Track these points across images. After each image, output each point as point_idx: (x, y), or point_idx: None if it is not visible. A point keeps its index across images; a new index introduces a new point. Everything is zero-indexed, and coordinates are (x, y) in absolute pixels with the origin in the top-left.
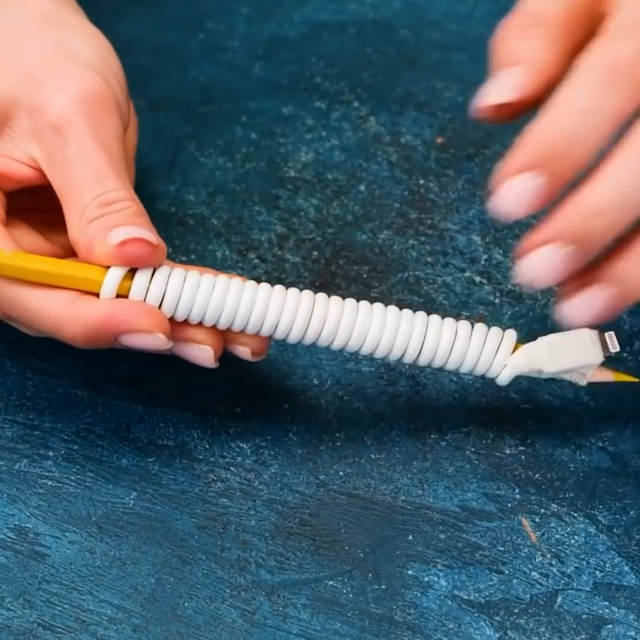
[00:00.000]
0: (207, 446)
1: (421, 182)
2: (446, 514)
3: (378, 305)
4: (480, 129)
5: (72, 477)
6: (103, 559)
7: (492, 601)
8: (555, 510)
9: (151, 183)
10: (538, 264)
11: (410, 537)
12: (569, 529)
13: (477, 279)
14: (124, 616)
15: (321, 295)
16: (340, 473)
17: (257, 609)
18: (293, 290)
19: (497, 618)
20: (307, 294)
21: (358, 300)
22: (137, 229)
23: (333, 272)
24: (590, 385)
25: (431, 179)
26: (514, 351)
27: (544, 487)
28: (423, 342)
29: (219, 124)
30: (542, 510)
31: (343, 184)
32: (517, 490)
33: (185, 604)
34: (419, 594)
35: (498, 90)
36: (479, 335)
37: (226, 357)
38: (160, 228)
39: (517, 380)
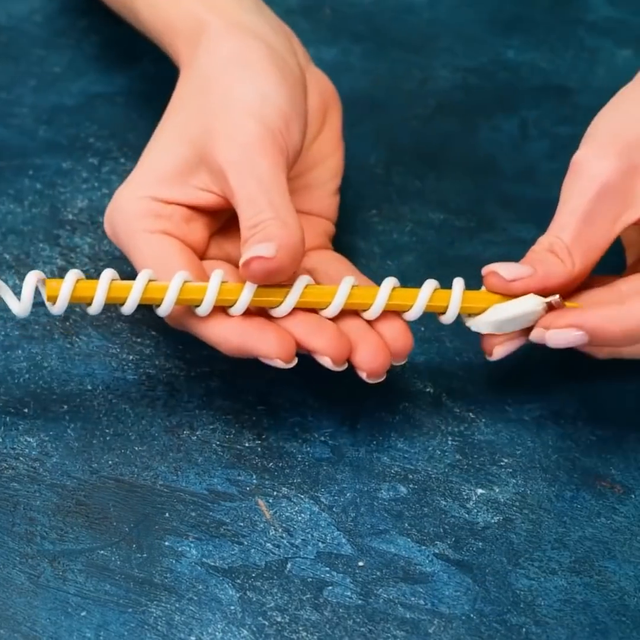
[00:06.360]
0: (0, 440)
1: None
2: (196, 496)
3: None
4: None
5: None
6: None
7: (234, 567)
8: (286, 492)
9: None
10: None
11: (167, 514)
12: (296, 508)
13: None
14: None
15: None
16: (110, 462)
17: (42, 573)
18: None
19: (238, 581)
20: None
21: None
22: (258, 246)
23: None
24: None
25: None
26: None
27: (276, 473)
28: None
29: (10, 176)
30: (275, 493)
31: None
32: (254, 476)
33: None
34: (174, 561)
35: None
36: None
37: (10, 370)
38: None
39: (255, 387)
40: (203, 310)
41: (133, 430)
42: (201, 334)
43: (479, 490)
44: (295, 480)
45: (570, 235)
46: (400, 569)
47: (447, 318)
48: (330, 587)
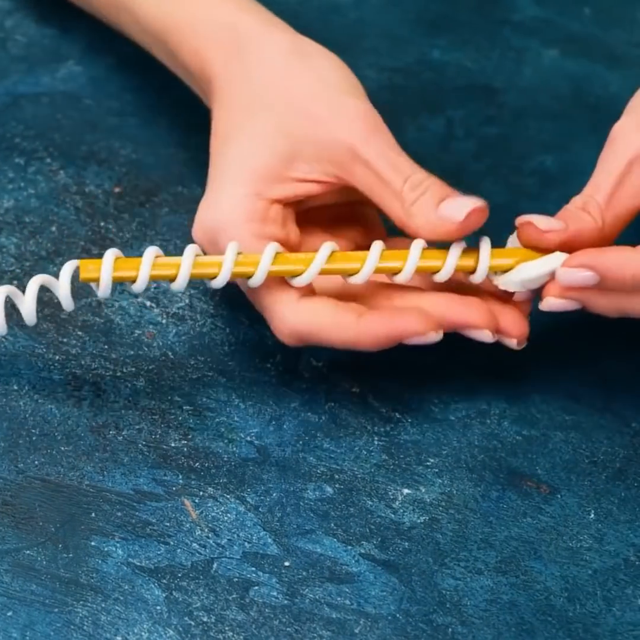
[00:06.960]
0: None
1: (102, 224)
2: (122, 496)
3: None
4: (150, 181)
5: None
6: None
7: (160, 567)
8: (212, 492)
9: None
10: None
11: (93, 514)
12: (223, 508)
13: (148, 303)
14: None
15: None
16: (36, 462)
17: None
18: None
19: (164, 581)
20: None
21: None
22: (465, 199)
23: None
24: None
25: (110, 222)
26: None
27: (202, 473)
28: None
29: None
30: (201, 493)
31: (38, 225)
32: (180, 476)
33: None
34: (100, 561)
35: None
36: None
37: None
38: None
39: (181, 387)
40: (302, 280)
41: (59, 430)
42: (347, 341)
43: (405, 490)
44: (221, 480)
45: (603, 196)
46: (326, 569)
47: (477, 277)
48: (256, 587)
